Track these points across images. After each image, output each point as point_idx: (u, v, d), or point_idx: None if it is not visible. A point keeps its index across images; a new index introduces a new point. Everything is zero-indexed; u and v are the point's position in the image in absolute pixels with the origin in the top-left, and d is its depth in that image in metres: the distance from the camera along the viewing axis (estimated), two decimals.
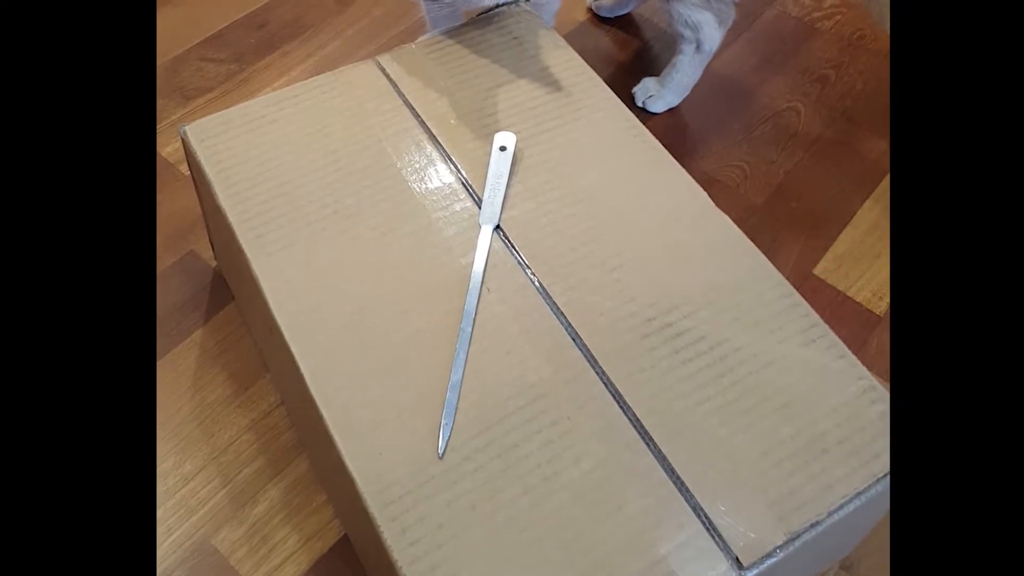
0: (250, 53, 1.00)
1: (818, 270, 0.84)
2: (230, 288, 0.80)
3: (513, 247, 0.63)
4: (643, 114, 0.96)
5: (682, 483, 0.52)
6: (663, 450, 0.53)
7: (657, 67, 1.00)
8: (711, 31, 0.90)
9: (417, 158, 0.68)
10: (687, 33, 0.91)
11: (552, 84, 0.74)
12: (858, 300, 0.82)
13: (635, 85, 0.97)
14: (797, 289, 0.61)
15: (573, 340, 0.58)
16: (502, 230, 0.64)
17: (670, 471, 0.52)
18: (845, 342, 0.58)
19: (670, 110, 0.97)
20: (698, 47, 0.92)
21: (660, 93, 0.96)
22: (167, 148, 0.91)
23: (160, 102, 0.95)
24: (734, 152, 0.94)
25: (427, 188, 0.66)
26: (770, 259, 0.62)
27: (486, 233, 0.63)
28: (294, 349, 0.57)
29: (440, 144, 0.69)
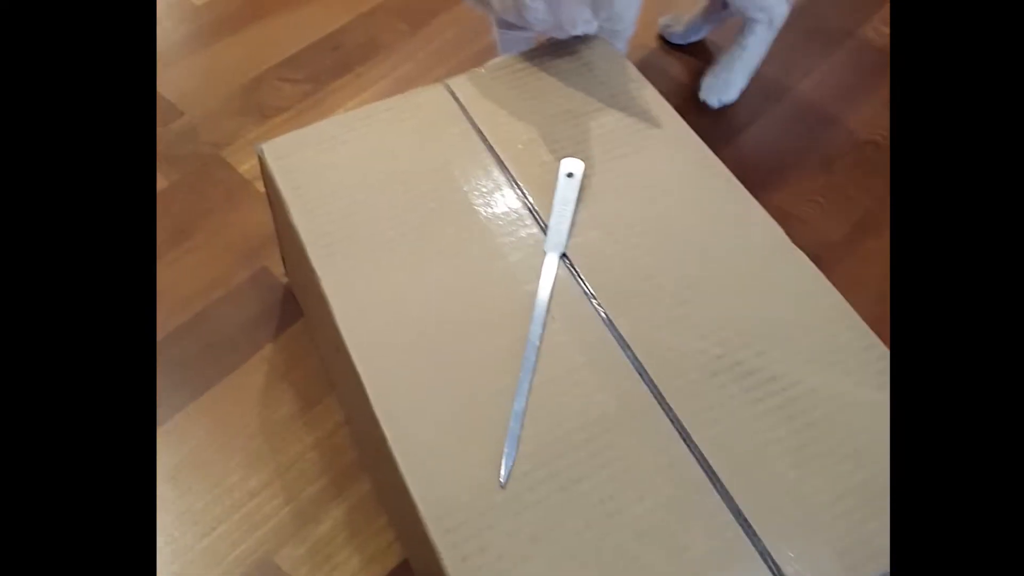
0: (325, 74, 1.02)
1: None
2: (300, 305, 0.82)
3: (579, 276, 0.63)
4: (716, 142, 0.95)
5: (749, 526, 0.51)
6: (730, 491, 0.52)
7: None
8: (780, 5, 0.92)
9: (484, 182, 0.69)
10: (760, 16, 0.92)
11: (622, 111, 0.73)
12: None
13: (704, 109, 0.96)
14: (876, 330, 0.59)
15: (640, 374, 0.57)
16: (568, 258, 0.64)
17: (737, 513, 0.51)
18: None
19: (744, 142, 0.95)
20: (770, 23, 0.93)
21: (730, 79, 0.96)
22: (244, 166, 0.93)
23: (239, 120, 0.98)
24: (811, 186, 0.92)
25: (493, 212, 0.67)
26: (848, 298, 0.61)
27: (551, 261, 0.63)
28: (360, 368, 0.58)
29: (507, 168, 0.70)
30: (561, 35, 0.77)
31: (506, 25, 0.81)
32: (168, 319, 0.81)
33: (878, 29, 1.08)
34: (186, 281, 0.84)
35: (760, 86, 1.01)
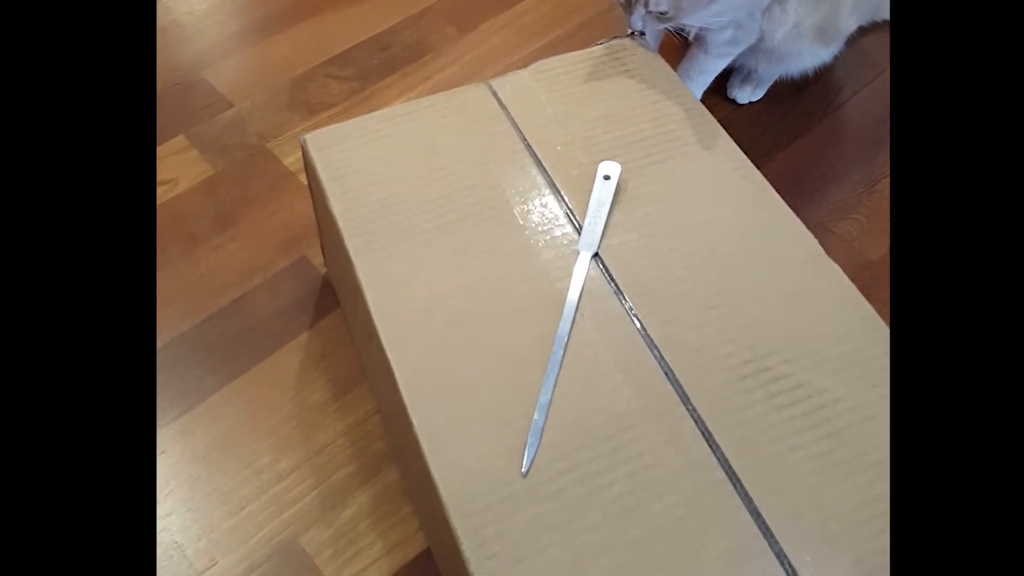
0: (373, 73, 1.06)
1: None
2: (337, 295, 0.85)
3: (610, 276, 0.64)
4: (759, 156, 0.96)
5: (767, 528, 0.52)
6: (750, 493, 0.53)
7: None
8: (720, 33, 0.89)
9: (521, 181, 0.71)
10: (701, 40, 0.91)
11: (661, 117, 0.75)
12: None
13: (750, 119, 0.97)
14: None
15: (666, 375, 0.59)
16: (600, 258, 0.65)
17: (756, 514, 0.52)
18: None
19: (789, 155, 0.96)
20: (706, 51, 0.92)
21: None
22: (288, 158, 0.97)
23: (286, 114, 1.01)
24: (853, 204, 0.92)
25: (529, 211, 0.69)
26: (884, 316, 0.61)
27: (584, 259, 0.65)
28: (390, 355, 0.60)
29: (545, 169, 0.72)
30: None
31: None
32: (209, 303, 0.85)
33: None
34: (228, 267, 0.87)
35: (808, 101, 1.02)
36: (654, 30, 0.86)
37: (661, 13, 0.79)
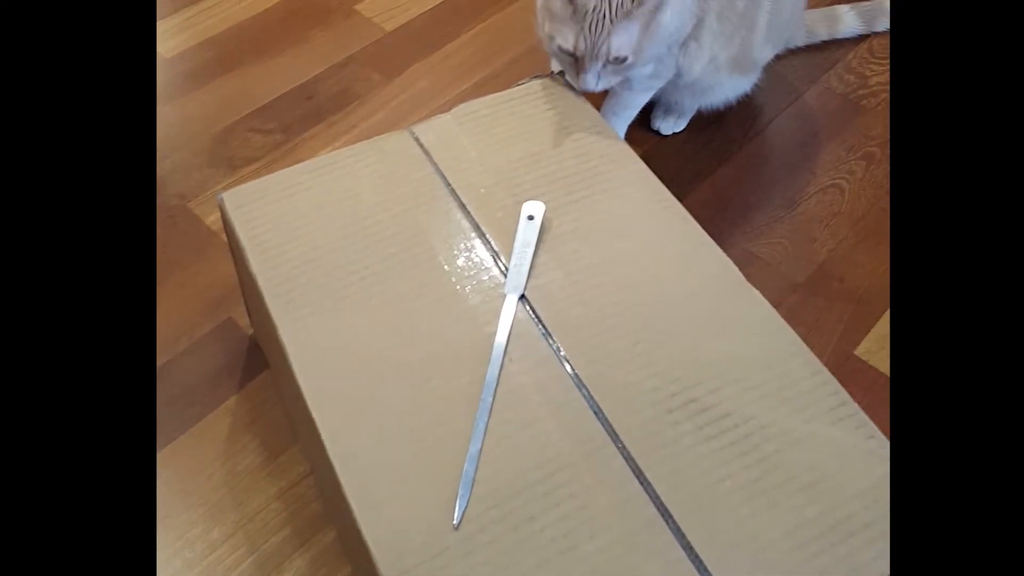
0: (297, 124, 1.06)
1: (860, 351, 0.84)
2: (265, 355, 0.84)
3: (537, 317, 0.65)
4: (684, 185, 0.99)
5: (701, 563, 0.52)
6: (682, 528, 0.54)
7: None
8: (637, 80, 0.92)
9: (445, 226, 0.72)
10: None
11: (583, 154, 0.77)
12: None
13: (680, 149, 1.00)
14: (837, 370, 0.61)
15: (595, 413, 0.59)
16: (527, 299, 0.66)
17: (689, 549, 0.53)
18: (886, 424, 0.58)
19: (711, 185, 0.99)
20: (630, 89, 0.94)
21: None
22: (210, 217, 0.97)
23: (208, 171, 1.01)
24: (776, 228, 0.95)
25: (454, 256, 0.69)
26: (810, 339, 0.63)
27: (511, 302, 0.66)
28: (315, 414, 0.60)
29: (469, 212, 0.73)
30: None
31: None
32: None
33: (841, 76, 1.12)
34: None
35: (729, 128, 1.05)
36: (609, 85, 0.83)
37: (621, 60, 0.80)
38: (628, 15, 0.77)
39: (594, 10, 0.77)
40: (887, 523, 0.54)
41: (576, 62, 0.81)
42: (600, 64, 0.80)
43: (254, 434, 0.79)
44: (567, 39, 0.79)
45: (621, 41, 0.79)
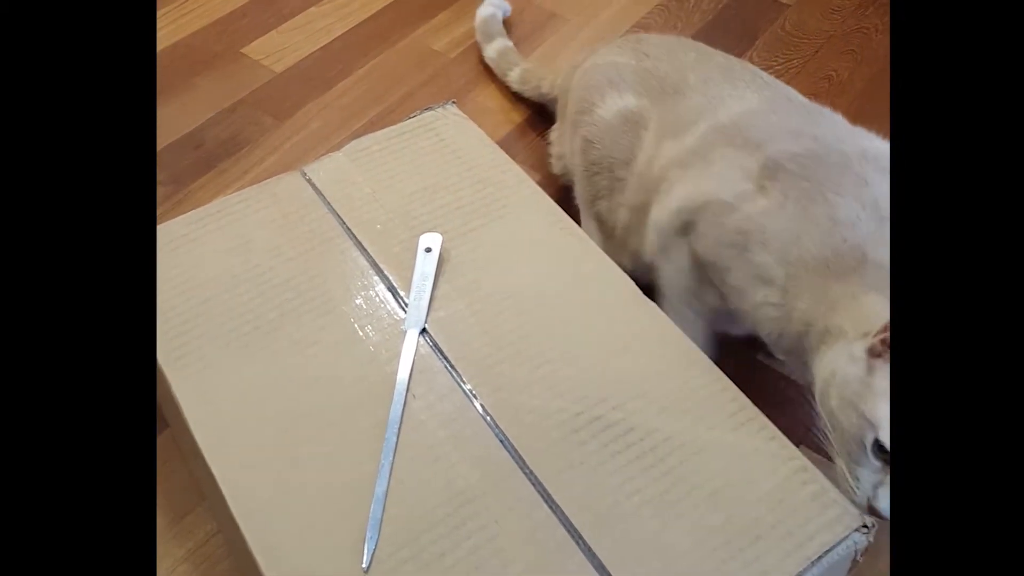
0: (186, 174, 1.06)
1: (763, 354, 0.88)
2: (164, 415, 0.84)
3: (439, 350, 0.67)
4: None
5: None
6: (593, 548, 0.56)
7: None
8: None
9: (341, 266, 0.73)
10: None
11: (479, 183, 0.79)
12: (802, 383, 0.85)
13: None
14: (737, 375, 0.64)
15: (501, 442, 0.61)
16: (428, 333, 0.68)
17: (601, 568, 0.55)
18: (789, 426, 0.61)
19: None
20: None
21: None
22: None
23: None
24: None
25: (352, 296, 0.71)
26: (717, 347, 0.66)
27: (411, 337, 0.67)
28: (214, 469, 0.60)
29: (366, 250, 0.74)
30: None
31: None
32: None
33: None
34: None
35: None
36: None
37: None
38: None
39: None
40: (793, 522, 0.57)
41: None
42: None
43: (159, 495, 0.78)
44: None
45: None
